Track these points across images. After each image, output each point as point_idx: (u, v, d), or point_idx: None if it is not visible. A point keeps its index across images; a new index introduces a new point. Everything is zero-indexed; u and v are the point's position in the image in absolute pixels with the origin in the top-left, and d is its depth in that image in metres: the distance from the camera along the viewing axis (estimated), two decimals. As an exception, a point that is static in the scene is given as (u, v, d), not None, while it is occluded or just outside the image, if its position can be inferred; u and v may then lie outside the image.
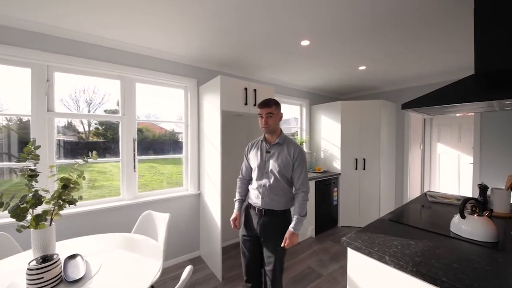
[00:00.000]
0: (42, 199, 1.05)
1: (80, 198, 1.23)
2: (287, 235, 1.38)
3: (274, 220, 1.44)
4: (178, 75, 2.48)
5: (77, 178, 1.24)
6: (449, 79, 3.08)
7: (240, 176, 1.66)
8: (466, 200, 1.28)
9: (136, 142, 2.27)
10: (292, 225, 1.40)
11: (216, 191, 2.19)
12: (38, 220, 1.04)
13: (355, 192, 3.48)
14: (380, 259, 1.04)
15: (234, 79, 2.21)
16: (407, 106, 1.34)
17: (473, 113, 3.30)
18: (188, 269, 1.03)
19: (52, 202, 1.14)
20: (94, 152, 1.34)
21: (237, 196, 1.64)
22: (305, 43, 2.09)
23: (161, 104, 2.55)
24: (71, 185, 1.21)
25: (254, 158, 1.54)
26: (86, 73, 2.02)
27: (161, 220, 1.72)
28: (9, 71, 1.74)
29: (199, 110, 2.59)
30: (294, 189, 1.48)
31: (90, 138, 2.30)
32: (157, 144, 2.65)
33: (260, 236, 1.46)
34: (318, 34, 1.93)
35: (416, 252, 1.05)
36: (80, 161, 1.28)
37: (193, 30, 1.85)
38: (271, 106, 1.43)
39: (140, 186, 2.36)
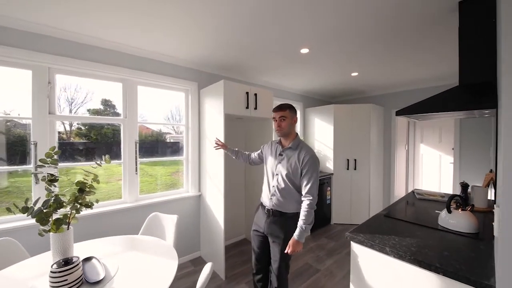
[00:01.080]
0: (64, 203, 1.07)
1: (97, 201, 1.25)
2: (290, 242, 1.40)
3: (281, 221, 1.48)
4: (179, 78, 2.51)
5: (91, 181, 1.27)
6: (432, 85, 3.34)
7: (251, 153, 1.89)
8: (452, 197, 1.44)
9: (137, 144, 2.28)
10: (296, 233, 1.39)
11: (219, 192, 2.25)
12: (59, 224, 1.06)
13: (347, 191, 3.66)
14: (382, 250, 1.16)
15: (236, 84, 2.28)
16: (401, 113, 1.49)
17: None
18: (209, 265, 1.10)
19: (69, 206, 1.16)
20: (107, 156, 1.37)
21: (237, 149, 1.96)
22: (304, 51, 2.21)
23: (158, 106, 2.54)
24: (87, 189, 1.23)
25: (267, 159, 1.62)
26: (88, 75, 2.00)
27: (169, 221, 1.76)
28: (9, 73, 1.71)
29: (200, 113, 2.63)
30: (302, 195, 1.46)
31: (72, 138, 2.19)
32: (144, 145, 2.55)
33: (267, 234, 1.53)
34: (317, 43, 2.05)
35: (411, 243, 1.19)
36: (93, 163, 1.30)
37: (197, 34, 1.89)
38: (284, 110, 1.48)
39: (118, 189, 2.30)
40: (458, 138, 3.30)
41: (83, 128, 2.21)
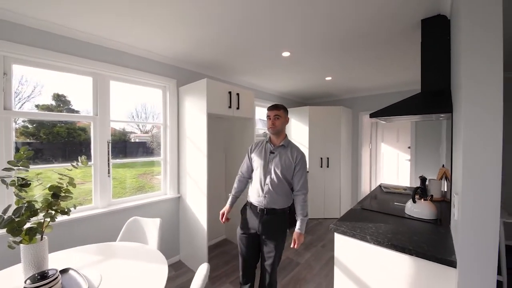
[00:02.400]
0: (38, 211, 0.95)
1: (74, 206, 1.13)
2: (295, 236, 1.49)
3: (275, 218, 1.53)
4: (157, 74, 2.38)
5: (67, 185, 1.15)
6: (394, 91, 3.76)
7: (240, 173, 1.73)
8: (416, 189, 1.66)
9: (110, 144, 2.10)
10: (298, 226, 1.50)
11: (201, 193, 2.21)
12: (33, 234, 0.94)
13: (320, 188, 3.89)
14: (363, 238, 1.29)
15: (219, 83, 2.26)
16: (375, 115, 1.66)
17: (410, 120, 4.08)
18: (204, 266, 1.08)
19: (43, 214, 1.03)
20: (83, 157, 1.25)
21: (233, 192, 1.72)
22: (286, 54, 2.30)
23: (122, 103, 2.33)
24: (63, 193, 1.11)
25: (257, 158, 1.61)
26: (52, 67, 1.79)
27: (151, 225, 1.67)
28: None
29: (179, 112, 2.54)
30: (294, 191, 1.57)
31: (16, 138, 1.83)
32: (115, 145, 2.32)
33: (261, 234, 1.54)
34: (299, 48, 2.15)
35: (386, 231, 1.34)
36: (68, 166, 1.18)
37: (178, 30, 1.83)
38: (279, 109, 1.55)
39: (86, 192, 2.08)
40: (414, 138, 3.77)
41: (30, 126, 1.88)
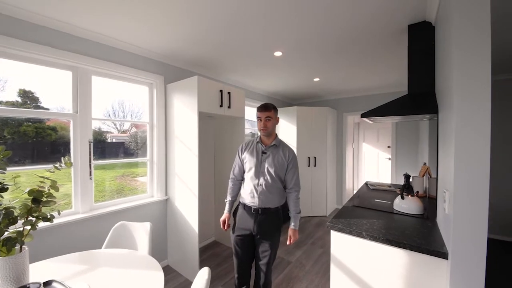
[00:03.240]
0: (18, 218, 0.84)
1: (58, 212, 1.03)
2: (290, 233, 1.53)
3: (270, 217, 1.53)
4: (143, 70, 2.26)
5: (49, 189, 1.04)
6: (377, 93, 3.94)
7: (232, 176, 1.69)
8: (403, 186, 1.75)
9: (92, 144, 1.95)
10: (292, 223, 1.54)
11: (192, 194, 2.13)
12: (11, 244, 0.83)
13: (308, 186, 3.96)
14: (359, 235, 1.33)
15: (210, 81, 2.20)
16: (366, 115, 1.72)
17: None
18: (206, 270, 1.04)
19: (22, 221, 0.92)
20: (66, 158, 1.14)
21: (228, 198, 1.67)
22: (278, 54, 2.30)
23: (108, 100, 2.19)
24: (44, 198, 1.00)
25: (249, 159, 1.58)
26: (26, 59, 1.61)
27: (141, 230, 1.58)
28: None
29: (167, 110, 2.43)
30: (287, 188, 1.59)
31: None
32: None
33: (256, 234, 1.52)
34: (290, 48, 2.17)
35: (380, 226, 1.39)
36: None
37: (167, 25, 1.75)
38: (270, 110, 1.52)
39: (60, 196, 1.89)
40: (395, 138, 3.98)
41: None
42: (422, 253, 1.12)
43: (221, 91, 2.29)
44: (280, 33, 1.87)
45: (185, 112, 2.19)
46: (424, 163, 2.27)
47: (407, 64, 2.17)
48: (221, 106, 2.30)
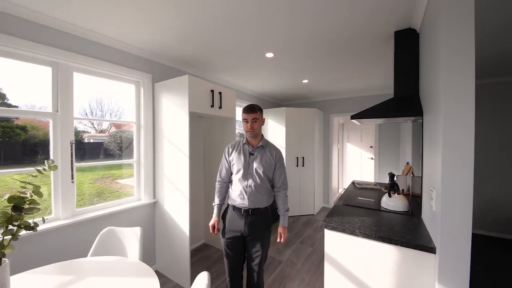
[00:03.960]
0: (-2, 228, 0.77)
1: (43, 220, 0.95)
2: (280, 230, 1.54)
3: (260, 218, 1.54)
4: (130, 68, 2.16)
5: (31, 195, 0.96)
6: (362, 95, 4.09)
7: (219, 179, 1.67)
8: (391, 185, 1.83)
9: (73, 145, 1.83)
10: (281, 221, 1.57)
11: (182, 197, 2.07)
12: (-10, 257, 0.75)
13: (296, 186, 4.03)
14: (352, 233, 1.37)
15: (201, 80, 2.15)
16: (356, 116, 1.78)
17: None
18: (204, 274, 1.01)
19: (1, 232, 0.84)
20: (50, 161, 1.06)
21: (216, 201, 1.65)
22: (269, 55, 2.31)
23: (85, 98, 2.02)
24: (27, 205, 0.92)
25: (237, 160, 1.58)
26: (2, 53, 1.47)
27: (131, 235, 1.50)
28: None
29: (155, 109, 2.34)
30: (275, 187, 1.61)
31: None
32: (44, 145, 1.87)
33: (247, 235, 1.52)
34: (282, 49, 2.19)
35: (371, 224, 1.45)
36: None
37: (154, 21, 1.69)
38: (256, 112, 1.52)
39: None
40: (378, 139, 4.17)
41: None
42: (412, 248, 1.18)
43: (212, 91, 2.25)
44: (272, 34, 1.88)
45: (175, 112, 2.12)
46: (407, 163, 2.40)
47: (393, 68, 2.29)
48: (212, 106, 2.26)
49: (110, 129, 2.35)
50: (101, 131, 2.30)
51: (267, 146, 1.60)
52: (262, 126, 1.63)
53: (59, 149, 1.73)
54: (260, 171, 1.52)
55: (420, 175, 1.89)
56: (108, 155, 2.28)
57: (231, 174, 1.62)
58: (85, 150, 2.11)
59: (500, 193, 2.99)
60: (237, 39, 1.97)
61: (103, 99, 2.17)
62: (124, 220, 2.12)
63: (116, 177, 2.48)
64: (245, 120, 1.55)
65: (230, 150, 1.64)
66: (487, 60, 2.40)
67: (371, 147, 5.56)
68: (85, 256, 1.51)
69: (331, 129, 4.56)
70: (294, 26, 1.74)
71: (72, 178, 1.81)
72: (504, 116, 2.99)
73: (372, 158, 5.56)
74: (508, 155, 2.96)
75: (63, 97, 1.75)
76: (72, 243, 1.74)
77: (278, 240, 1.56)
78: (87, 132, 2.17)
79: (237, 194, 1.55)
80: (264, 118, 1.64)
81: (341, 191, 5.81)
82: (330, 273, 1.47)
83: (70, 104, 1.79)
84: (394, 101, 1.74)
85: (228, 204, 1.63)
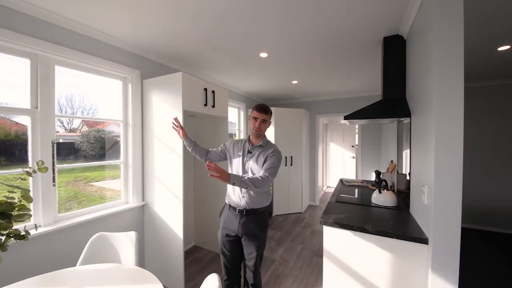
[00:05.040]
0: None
1: (36, 227, 0.87)
2: (219, 169, 1.28)
3: (254, 219, 1.52)
4: (117, 63, 2.04)
5: (19, 200, 0.87)
6: (347, 97, 4.27)
7: (210, 149, 1.76)
8: (380, 182, 1.94)
9: (55, 145, 1.68)
10: (235, 175, 1.36)
11: (176, 198, 2.01)
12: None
13: (285, 185, 4.09)
14: (350, 228, 1.43)
15: (194, 78, 2.10)
16: (349, 117, 1.86)
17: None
18: (215, 277, 0.99)
19: (-11, 241, 0.75)
20: (40, 162, 0.97)
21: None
22: (263, 55, 2.32)
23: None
24: (16, 212, 0.83)
25: (235, 155, 1.59)
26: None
27: (125, 241, 1.42)
28: None
29: (144, 107, 2.23)
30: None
31: None
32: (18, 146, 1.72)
33: (241, 235, 1.51)
34: (276, 50, 2.21)
35: (366, 219, 1.52)
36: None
37: (144, 13, 1.61)
38: (267, 114, 1.51)
39: None
40: (361, 138, 4.38)
41: None
42: (407, 240, 1.27)
43: (205, 89, 2.20)
44: (267, 34, 1.89)
45: (167, 110, 2.04)
46: (392, 161, 2.56)
47: (378, 72, 2.42)
48: (205, 105, 2.21)
49: (81, 128, 2.17)
50: (72, 130, 2.12)
51: (267, 146, 1.59)
52: (248, 126, 1.64)
53: (39, 149, 1.58)
54: (255, 170, 1.52)
55: (404, 172, 2.04)
56: (80, 156, 2.10)
57: (217, 159, 1.71)
58: (59, 150, 1.92)
59: (483, 189, 3.28)
60: (230, 37, 1.95)
61: (74, 95, 1.98)
62: (111, 225, 1.99)
63: (90, 179, 2.32)
64: (254, 118, 1.52)
65: (234, 144, 1.66)
66: (474, 66, 2.63)
67: (352, 146, 5.83)
68: (74, 265, 1.39)
69: (317, 129, 4.70)
70: (289, 26, 1.77)
71: (54, 181, 1.66)
72: (490, 118, 3.19)
73: (353, 157, 5.84)
74: (488, 154, 3.26)
75: (43, 93, 1.60)
76: (56, 252, 1.60)
77: (207, 168, 1.27)
78: (56, 131, 1.99)
79: (234, 192, 1.53)
80: (271, 121, 1.62)
81: (325, 189, 6.02)
82: (329, 268, 1.52)
83: (52, 100, 1.64)
84: (383, 103, 1.85)
85: (226, 201, 1.62)
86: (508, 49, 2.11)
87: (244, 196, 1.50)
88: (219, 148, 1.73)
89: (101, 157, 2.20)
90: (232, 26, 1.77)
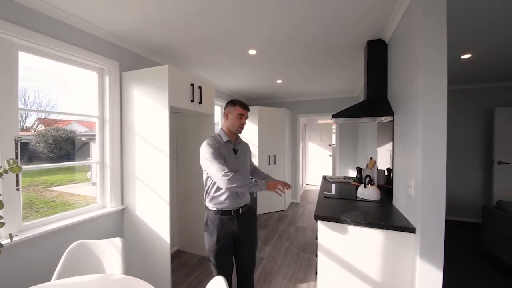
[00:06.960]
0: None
1: (11, 237, 0.73)
2: (276, 183, 1.45)
3: (250, 216, 1.54)
4: (92, 52, 1.84)
5: (-12, 206, 0.73)
6: (327, 97, 4.44)
7: (226, 170, 1.33)
8: (365, 177, 2.05)
9: (19, 143, 1.45)
10: (269, 179, 1.62)
11: (161, 200, 1.88)
12: None
13: (268, 184, 4.11)
14: (344, 222, 1.48)
15: (181, 72, 1.99)
16: (337, 116, 1.93)
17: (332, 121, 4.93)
18: (221, 279, 0.94)
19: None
20: (11, 160, 0.83)
21: (253, 179, 1.40)
22: (252, 52, 2.30)
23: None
24: (-15, 220, 0.69)
25: (228, 159, 1.46)
26: None
27: (109, 248, 1.28)
28: None
29: (123, 102, 2.05)
30: (253, 170, 1.70)
31: None
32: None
33: (239, 236, 1.47)
34: (263, 46, 2.20)
35: (357, 213, 1.59)
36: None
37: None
38: (249, 111, 1.56)
39: None
40: (339, 137, 4.59)
41: None
42: (396, 230, 1.35)
43: (192, 84, 2.11)
44: (255, 30, 1.88)
45: (150, 106, 1.91)
46: (371, 158, 2.72)
47: (359, 73, 2.54)
48: (192, 101, 2.11)
49: (36, 126, 1.90)
50: (25, 129, 1.84)
51: (242, 141, 1.64)
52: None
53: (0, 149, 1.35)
54: (245, 166, 1.56)
55: (383, 168, 2.18)
56: (35, 156, 1.82)
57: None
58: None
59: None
60: (218, 31, 1.89)
61: (27, 90, 1.71)
62: (86, 232, 1.79)
63: (49, 183, 2.07)
64: (241, 115, 1.50)
65: (218, 147, 1.45)
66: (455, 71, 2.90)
67: (329, 145, 6.10)
68: (48, 280, 1.21)
69: (298, 129, 4.82)
70: (277, 24, 1.78)
71: (18, 184, 1.43)
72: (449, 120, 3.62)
73: (330, 156, 6.12)
74: (450, 154, 3.63)
75: (4, 82, 1.37)
76: (24, 266, 1.38)
77: (280, 190, 1.42)
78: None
79: (228, 196, 1.42)
80: None
81: (305, 186, 6.20)
82: (323, 262, 1.55)
83: (15, 91, 1.42)
84: (367, 103, 1.96)
85: (212, 210, 1.45)
86: (470, 57, 2.40)
87: (239, 196, 1.47)
88: (220, 157, 1.41)
89: (61, 158, 1.93)
90: (217, 18, 1.70)
